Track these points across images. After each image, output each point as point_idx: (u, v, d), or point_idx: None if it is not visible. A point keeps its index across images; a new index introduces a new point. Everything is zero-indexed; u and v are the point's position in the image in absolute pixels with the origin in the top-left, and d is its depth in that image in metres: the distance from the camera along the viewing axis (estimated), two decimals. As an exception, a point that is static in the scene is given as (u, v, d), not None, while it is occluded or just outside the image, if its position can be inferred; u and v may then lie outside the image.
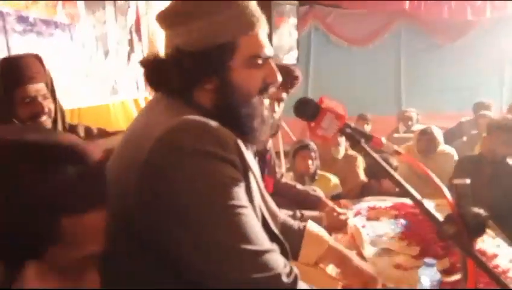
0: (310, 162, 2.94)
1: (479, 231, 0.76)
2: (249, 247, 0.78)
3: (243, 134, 0.94)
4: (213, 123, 0.84)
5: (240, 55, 0.90)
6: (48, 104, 1.37)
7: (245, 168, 0.85)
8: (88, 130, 1.51)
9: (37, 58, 1.39)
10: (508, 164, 2.56)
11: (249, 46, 0.91)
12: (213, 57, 0.88)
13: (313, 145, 3.00)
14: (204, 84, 0.91)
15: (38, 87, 1.35)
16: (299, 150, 2.98)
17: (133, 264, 0.84)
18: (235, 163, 0.82)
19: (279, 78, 0.97)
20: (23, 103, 1.33)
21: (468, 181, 0.78)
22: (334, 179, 3.13)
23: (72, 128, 1.48)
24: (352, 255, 1.29)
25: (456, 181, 0.79)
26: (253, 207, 0.88)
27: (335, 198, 2.84)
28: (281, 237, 1.03)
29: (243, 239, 0.78)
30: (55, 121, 1.39)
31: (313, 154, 2.98)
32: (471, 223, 0.75)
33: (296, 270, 0.86)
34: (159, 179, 0.79)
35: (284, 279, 0.80)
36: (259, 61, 0.93)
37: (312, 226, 1.29)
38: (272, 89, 0.98)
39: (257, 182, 1.07)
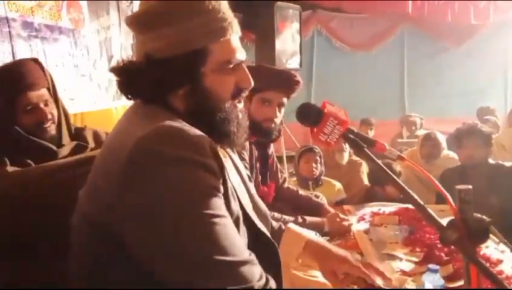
0: (314, 165, 2.93)
1: (482, 236, 0.76)
2: (224, 258, 0.76)
3: (218, 137, 0.94)
4: (188, 128, 0.83)
5: (212, 61, 0.90)
6: (51, 110, 1.35)
7: (222, 171, 0.84)
8: (96, 135, 1.48)
9: (37, 62, 1.36)
10: (491, 164, 2.60)
11: (221, 52, 0.91)
12: (183, 63, 0.88)
13: (318, 149, 3.00)
14: (177, 90, 0.90)
15: (39, 94, 1.32)
16: (304, 153, 2.97)
17: (109, 271, 0.84)
18: (211, 168, 0.81)
19: (252, 83, 0.97)
20: (26, 110, 1.31)
21: (470, 187, 0.77)
22: (338, 185, 3.12)
23: (79, 132, 1.45)
24: (331, 246, 1.28)
25: (459, 187, 0.78)
26: (231, 212, 0.87)
27: (339, 204, 2.83)
28: (269, 236, 1.03)
29: (218, 250, 0.76)
30: (59, 126, 1.37)
31: (317, 158, 2.97)
32: (474, 229, 0.74)
33: (272, 282, 0.85)
34: (134, 187, 0.78)
35: None
36: (232, 65, 0.93)
37: (292, 225, 1.29)
38: (245, 93, 0.98)
39: (244, 182, 1.07)
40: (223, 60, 0.91)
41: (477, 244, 0.76)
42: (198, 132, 0.83)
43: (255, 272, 0.81)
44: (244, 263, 0.79)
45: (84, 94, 2.19)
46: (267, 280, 0.84)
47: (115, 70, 0.92)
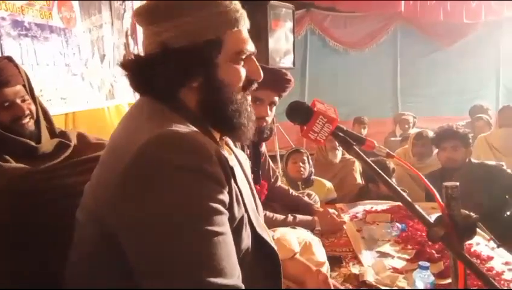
0: (301, 165, 2.94)
1: (469, 232, 0.77)
2: (216, 281, 0.73)
3: (230, 131, 0.93)
4: (194, 133, 0.81)
5: (226, 51, 0.89)
6: (28, 106, 1.34)
7: (227, 178, 0.82)
8: (81, 136, 1.47)
9: (10, 60, 1.35)
10: (473, 164, 2.64)
11: (234, 42, 0.90)
12: (201, 52, 0.87)
13: (305, 150, 3.03)
14: (191, 81, 0.89)
15: (15, 90, 1.31)
16: (291, 155, 3.01)
17: (105, 271, 0.83)
18: (216, 176, 0.78)
19: (262, 75, 0.97)
20: (3, 107, 1.30)
21: (457, 184, 0.78)
22: (329, 185, 3.13)
23: (62, 133, 1.44)
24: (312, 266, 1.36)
25: (446, 184, 0.79)
26: (234, 217, 0.85)
27: (329, 203, 2.84)
28: (271, 242, 1.02)
29: (212, 272, 0.73)
30: (37, 122, 1.36)
31: (304, 158, 2.98)
32: (461, 225, 0.75)
33: None
34: (133, 195, 0.76)
35: None
36: (243, 56, 0.93)
37: (282, 236, 1.33)
38: (255, 85, 0.98)
39: (247, 180, 1.06)
40: (236, 50, 0.91)
41: (464, 241, 0.77)
42: (204, 138, 0.81)
43: None
44: (233, 288, 0.76)
45: (76, 94, 2.18)
46: None
47: (125, 65, 0.92)
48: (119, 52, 2.74)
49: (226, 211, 0.80)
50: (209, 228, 0.75)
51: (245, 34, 0.94)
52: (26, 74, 1.39)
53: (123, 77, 2.77)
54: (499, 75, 7.23)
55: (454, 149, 2.60)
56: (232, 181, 0.85)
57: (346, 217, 2.28)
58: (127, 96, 2.84)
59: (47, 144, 1.33)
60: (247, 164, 1.14)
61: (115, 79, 2.66)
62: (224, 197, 0.80)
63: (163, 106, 0.88)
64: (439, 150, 2.75)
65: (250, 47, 0.94)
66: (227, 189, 0.81)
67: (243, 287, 0.79)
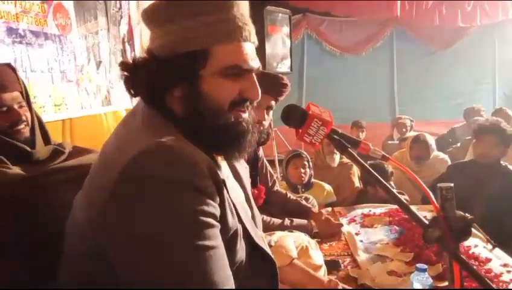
0: (302, 170, 2.93)
1: (464, 233, 0.76)
2: None
3: (210, 147, 0.88)
4: (184, 145, 0.79)
5: (213, 64, 0.85)
6: (25, 113, 1.36)
7: (220, 191, 0.80)
8: (76, 147, 1.48)
9: (10, 67, 1.37)
10: (502, 165, 2.55)
11: (225, 56, 0.85)
12: (181, 63, 0.84)
13: (305, 154, 3.00)
14: (172, 90, 0.86)
15: (13, 96, 1.33)
16: (291, 159, 2.97)
17: (93, 284, 0.82)
18: (207, 189, 0.76)
19: (259, 95, 0.92)
20: (0, 111, 1.31)
21: (452, 185, 0.78)
22: (328, 187, 3.13)
23: (58, 144, 1.44)
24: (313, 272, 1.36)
25: (441, 185, 0.79)
26: (228, 229, 0.83)
27: (329, 206, 2.84)
28: (268, 251, 1.01)
29: (202, 286, 0.72)
30: (32, 129, 1.37)
31: (305, 163, 2.96)
32: (456, 226, 0.75)
33: None
34: (122, 210, 0.74)
35: None
36: (237, 71, 0.87)
37: (279, 240, 1.31)
38: (251, 104, 0.93)
39: (246, 193, 1.05)
40: (226, 65, 0.85)
41: (459, 242, 0.77)
42: (194, 151, 0.79)
43: None
44: None
45: (71, 100, 2.18)
46: None
47: (122, 65, 0.90)
48: (115, 59, 2.74)
49: (217, 224, 0.79)
50: (200, 242, 0.73)
51: (243, 49, 0.87)
52: (23, 82, 1.41)
53: (120, 83, 2.77)
54: (495, 78, 7.26)
55: (492, 144, 2.48)
56: (225, 192, 0.84)
57: (344, 221, 2.27)
58: (124, 103, 2.84)
59: (42, 150, 1.34)
60: (244, 170, 1.13)
61: (111, 85, 2.66)
62: (215, 210, 0.78)
63: (156, 111, 0.87)
64: (476, 141, 2.61)
65: (249, 63, 0.88)
66: (218, 201, 0.79)
67: None
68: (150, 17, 0.89)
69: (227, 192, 0.86)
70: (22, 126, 1.34)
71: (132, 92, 0.90)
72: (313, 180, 3.06)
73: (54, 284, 0.93)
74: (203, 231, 0.74)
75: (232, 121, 0.88)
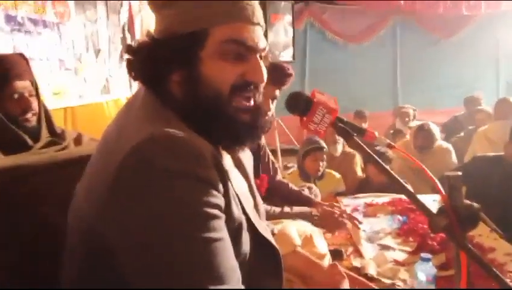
0: (320, 163, 2.91)
1: (472, 223, 0.75)
2: (214, 288, 0.70)
3: (208, 136, 0.82)
4: (186, 134, 0.75)
5: (212, 45, 0.81)
6: (34, 102, 1.41)
7: (224, 181, 0.78)
8: (79, 137, 1.54)
9: (23, 57, 1.43)
10: None
11: (225, 34, 0.81)
12: (178, 45, 0.80)
13: (325, 146, 2.96)
14: (171, 73, 0.82)
15: (25, 84, 1.39)
16: (311, 151, 2.91)
17: (95, 279, 0.80)
18: (211, 180, 0.74)
19: (264, 77, 0.87)
20: (12, 98, 1.37)
21: (459, 173, 0.77)
22: (338, 176, 3.13)
23: (61, 134, 1.50)
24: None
25: (448, 173, 0.77)
26: (232, 220, 0.81)
27: (338, 195, 2.82)
28: (273, 241, 1.00)
29: (212, 278, 0.70)
30: (39, 119, 1.43)
31: (324, 156, 2.94)
32: (464, 215, 0.73)
33: None
34: (124, 202, 0.72)
35: None
36: (237, 51, 0.83)
37: (283, 229, 1.30)
38: (255, 88, 0.88)
39: (249, 183, 1.04)
40: (225, 39, 0.81)
41: (467, 231, 0.76)
42: (197, 139, 0.76)
43: None
44: None
45: (69, 88, 2.16)
46: None
47: (127, 48, 0.88)
48: (114, 47, 2.71)
49: (222, 215, 0.76)
50: (206, 234, 0.71)
51: (247, 27, 0.83)
52: (33, 72, 1.48)
53: (119, 72, 2.76)
54: (498, 67, 7.22)
55: None
56: (229, 183, 0.81)
57: (347, 210, 2.26)
58: (123, 91, 2.82)
59: (40, 143, 1.40)
60: (247, 157, 1.11)
61: (110, 74, 2.64)
62: (220, 200, 0.76)
63: (156, 97, 0.84)
64: (509, 141, 2.47)
65: (252, 41, 0.83)
66: (222, 192, 0.77)
67: (242, 287, 0.76)
68: (153, 2, 0.87)
69: (231, 182, 0.84)
70: (30, 115, 1.40)
71: (133, 75, 0.88)
72: (325, 170, 3.05)
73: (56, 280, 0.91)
74: (208, 223, 0.72)
75: (232, 112, 0.84)
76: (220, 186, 0.76)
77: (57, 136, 1.45)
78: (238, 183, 0.92)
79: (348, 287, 1.27)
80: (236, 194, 0.87)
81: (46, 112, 1.48)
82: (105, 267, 0.77)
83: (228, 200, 0.79)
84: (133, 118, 0.82)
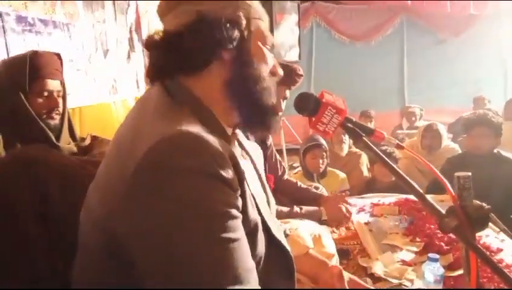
0: (320, 161, 2.95)
1: (482, 223, 0.75)
2: (232, 288, 0.70)
3: (256, 115, 0.90)
4: (205, 134, 0.75)
5: (255, 29, 0.89)
6: (61, 103, 1.45)
7: (241, 182, 0.79)
8: (94, 145, 1.56)
9: (59, 57, 1.46)
10: (495, 154, 2.58)
11: (261, 26, 0.91)
12: (235, 25, 0.85)
13: (324, 144, 3.00)
14: (223, 53, 0.85)
15: (56, 84, 1.42)
16: (310, 149, 2.96)
17: (108, 280, 0.80)
18: (229, 180, 0.74)
19: (281, 73, 0.95)
20: (42, 95, 1.40)
21: (469, 174, 0.77)
22: (342, 175, 3.14)
23: (82, 140, 1.55)
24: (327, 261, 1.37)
25: (458, 174, 0.77)
26: (249, 220, 0.82)
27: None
28: (286, 243, 0.99)
29: (229, 279, 0.70)
30: (62, 119, 1.45)
31: (324, 153, 2.98)
32: (474, 216, 0.74)
33: None
34: (142, 201, 0.71)
35: None
36: (270, 44, 0.92)
37: (294, 232, 1.33)
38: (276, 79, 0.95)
39: (262, 184, 1.04)
40: (264, 35, 0.90)
41: (476, 231, 0.76)
42: (215, 139, 0.76)
43: None
44: None
45: (79, 89, 2.18)
46: None
47: (148, 44, 0.89)
48: (122, 48, 2.73)
49: (240, 215, 0.77)
50: (224, 235, 0.71)
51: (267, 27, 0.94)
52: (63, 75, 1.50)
53: (126, 72, 2.76)
54: (505, 66, 7.16)
55: (483, 136, 2.53)
56: (245, 184, 0.82)
57: (353, 210, 2.26)
58: (131, 91, 2.84)
59: (65, 147, 1.43)
60: (258, 155, 1.12)
61: (118, 74, 2.65)
62: (238, 201, 0.77)
63: (170, 99, 0.84)
64: (467, 135, 2.66)
65: (272, 39, 0.93)
66: (239, 192, 0.78)
67: (258, 287, 0.76)
68: None
69: (247, 183, 0.85)
70: (54, 114, 1.43)
71: (164, 70, 0.87)
72: (328, 168, 3.08)
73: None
74: (227, 223, 0.72)
75: (272, 87, 0.91)
76: (238, 187, 0.77)
77: (75, 141, 1.49)
78: (253, 182, 0.93)
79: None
80: (252, 195, 0.88)
81: (68, 115, 1.51)
82: (121, 268, 0.77)
83: (245, 201, 0.80)
84: (148, 119, 0.81)
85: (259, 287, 0.76)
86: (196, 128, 0.76)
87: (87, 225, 0.85)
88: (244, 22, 0.86)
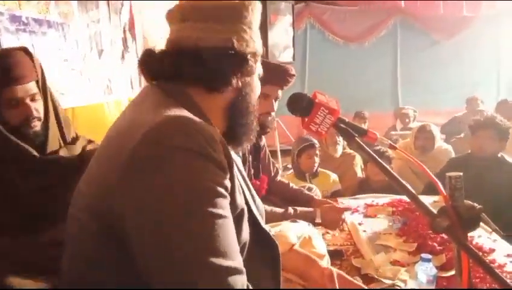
0: (315, 160, 3.00)
1: (473, 223, 0.76)
2: (219, 262, 0.73)
3: (240, 137, 1.00)
4: (199, 120, 0.82)
5: (258, 65, 1.00)
6: (37, 106, 1.25)
7: (230, 166, 0.83)
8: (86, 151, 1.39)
9: (27, 52, 1.26)
10: (499, 158, 2.58)
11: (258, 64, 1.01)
12: (254, 58, 0.97)
13: (316, 142, 3.04)
14: (240, 77, 0.96)
15: (26, 88, 1.22)
16: (305, 149, 3.00)
17: (103, 270, 0.82)
18: (221, 163, 0.79)
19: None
20: (10, 105, 1.21)
21: (461, 174, 0.77)
22: (334, 176, 3.16)
23: (72, 142, 1.36)
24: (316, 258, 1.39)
25: (450, 174, 0.78)
26: (236, 206, 0.86)
27: (334, 195, 2.86)
28: (271, 234, 1.02)
29: (214, 253, 0.74)
30: (45, 122, 1.26)
31: (317, 152, 3.03)
32: (465, 216, 0.74)
33: None
34: (139, 176, 0.76)
35: None
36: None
37: (282, 228, 1.33)
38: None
39: (244, 179, 1.06)
40: (260, 71, 1.03)
41: (468, 231, 0.76)
42: (209, 126, 0.82)
43: (243, 281, 0.78)
44: (236, 270, 0.76)
45: (74, 89, 2.16)
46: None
47: (182, 49, 0.93)
48: (116, 48, 2.72)
49: (228, 196, 0.81)
50: (213, 210, 0.75)
51: None
52: (41, 67, 1.30)
53: (121, 72, 2.74)
54: (499, 67, 7.22)
55: (488, 139, 2.54)
56: (234, 171, 0.86)
57: (347, 211, 2.26)
58: (126, 92, 2.83)
59: (51, 158, 1.25)
60: (238, 159, 1.15)
61: (113, 74, 2.64)
62: (227, 183, 0.81)
63: (168, 98, 0.89)
64: (472, 137, 2.68)
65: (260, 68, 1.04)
66: (228, 175, 0.82)
67: (245, 271, 0.79)
68: (223, 12, 0.95)
69: (236, 171, 0.88)
70: (33, 121, 1.24)
71: (178, 78, 0.93)
72: (319, 169, 3.11)
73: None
74: (216, 200, 0.77)
75: (256, 115, 1.03)
76: (227, 171, 0.81)
77: (66, 145, 1.31)
78: (239, 175, 0.97)
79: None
80: (240, 185, 0.92)
81: (57, 115, 1.32)
82: (113, 249, 0.80)
83: (233, 184, 0.84)
84: (145, 111, 0.86)
85: (243, 268, 0.79)
86: (192, 116, 0.83)
87: (78, 215, 0.88)
88: (259, 60, 1.00)
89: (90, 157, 1.02)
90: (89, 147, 1.40)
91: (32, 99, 1.25)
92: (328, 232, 2.05)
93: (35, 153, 1.22)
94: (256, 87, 1.02)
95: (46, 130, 1.26)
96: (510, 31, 6.99)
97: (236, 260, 0.77)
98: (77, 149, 1.36)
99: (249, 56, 0.94)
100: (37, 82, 1.27)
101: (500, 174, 2.48)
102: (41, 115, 1.27)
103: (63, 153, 1.30)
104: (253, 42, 0.97)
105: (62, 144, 1.33)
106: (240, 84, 0.96)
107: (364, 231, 2.04)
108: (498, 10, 6.62)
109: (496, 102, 5.47)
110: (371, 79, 6.81)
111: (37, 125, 1.25)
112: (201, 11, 0.94)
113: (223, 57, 0.92)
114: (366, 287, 1.38)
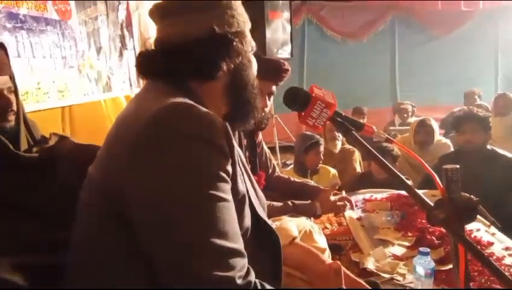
0: (321, 156, 3.05)
1: (470, 215, 0.76)
2: (221, 243, 0.76)
3: (246, 113, 1.03)
4: (202, 108, 0.84)
5: (248, 42, 1.01)
6: (14, 100, 1.22)
7: (232, 153, 0.85)
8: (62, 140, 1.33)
9: (2, 48, 1.23)
10: (490, 151, 2.61)
11: (249, 37, 1.03)
12: (243, 38, 0.99)
13: (321, 139, 3.09)
14: (233, 60, 0.97)
15: (4, 80, 1.20)
16: (313, 146, 3.02)
17: (109, 256, 0.83)
18: (223, 149, 0.81)
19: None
20: None
21: (457, 166, 0.78)
22: (333, 171, 3.17)
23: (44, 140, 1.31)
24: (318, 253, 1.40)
25: (446, 166, 0.78)
26: (238, 191, 0.88)
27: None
28: (271, 223, 1.02)
29: (216, 234, 0.76)
30: (17, 118, 1.23)
31: (323, 149, 3.08)
32: (462, 208, 0.75)
33: (252, 277, 0.82)
34: (145, 159, 0.78)
35: (238, 281, 0.77)
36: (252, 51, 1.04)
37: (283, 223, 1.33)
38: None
39: (244, 168, 1.07)
40: (251, 42, 1.03)
41: (464, 223, 0.77)
42: (212, 113, 0.84)
43: (243, 264, 0.80)
44: (237, 252, 0.78)
45: (73, 86, 2.16)
46: (248, 272, 0.82)
47: (170, 47, 0.95)
48: (114, 45, 2.71)
49: (230, 182, 0.83)
50: (216, 193, 0.77)
51: None
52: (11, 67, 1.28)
53: (120, 70, 2.73)
54: (497, 62, 7.23)
55: (473, 132, 2.58)
56: (236, 158, 0.87)
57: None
58: (124, 89, 2.82)
59: (25, 156, 1.19)
60: (243, 158, 1.15)
61: (111, 71, 2.64)
62: (229, 168, 0.83)
63: (171, 88, 0.91)
64: (457, 133, 2.71)
65: (252, 42, 1.05)
66: (231, 161, 0.84)
67: (246, 254, 0.81)
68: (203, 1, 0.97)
69: (236, 157, 0.89)
70: (10, 115, 1.20)
71: (175, 72, 0.95)
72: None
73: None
74: (218, 183, 0.79)
75: (258, 92, 1.05)
76: (229, 157, 0.83)
77: (36, 144, 1.26)
78: (241, 166, 0.97)
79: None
80: (242, 173, 0.93)
81: (24, 113, 1.28)
82: (120, 229, 0.82)
83: (235, 170, 0.85)
84: (150, 99, 0.89)
85: (244, 251, 0.81)
86: (195, 103, 0.86)
87: (89, 200, 0.90)
88: (247, 35, 1.01)
89: (62, 153, 1.04)
90: (63, 144, 1.32)
91: (9, 92, 1.22)
92: (326, 227, 2.05)
93: (12, 148, 1.17)
94: (252, 63, 1.03)
95: (18, 126, 1.23)
96: (508, 26, 6.99)
97: (237, 243, 0.79)
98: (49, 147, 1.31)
99: (232, 37, 0.96)
100: (11, 77, 1.24)
101: (495, 167, 2.50)
102: (15, 110, 1.23)
103: (35, 150, 1.25)
104: (236, 20, 0.98)
105: (32, 142, 1.28)
106: (232, 65, 0.97)
107: (363, 225, 2.04)
108: (495, 5, 6.61)
109: (493, 97, 5.47)
110: (369, 75, 6.81)
111: (13, 120, 1.22)
112: (178, 5, 0.96)
113: (207, 45, 0.94)
114: (369, 288, 1.37)
